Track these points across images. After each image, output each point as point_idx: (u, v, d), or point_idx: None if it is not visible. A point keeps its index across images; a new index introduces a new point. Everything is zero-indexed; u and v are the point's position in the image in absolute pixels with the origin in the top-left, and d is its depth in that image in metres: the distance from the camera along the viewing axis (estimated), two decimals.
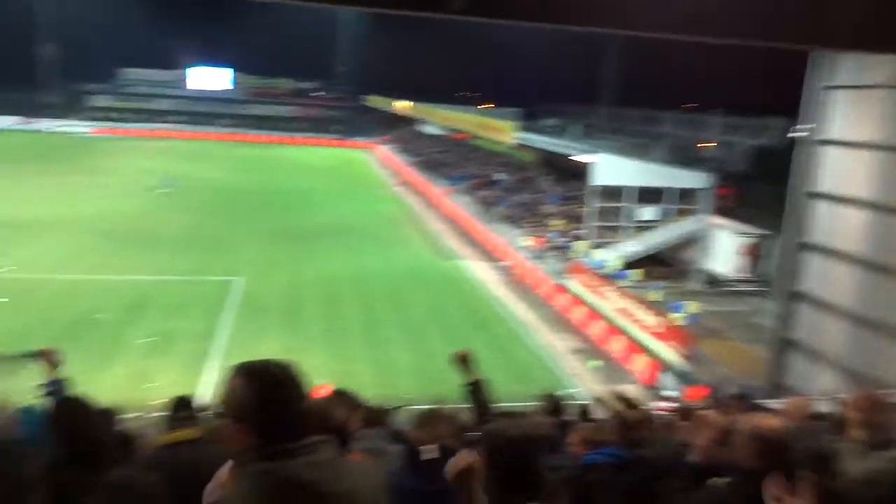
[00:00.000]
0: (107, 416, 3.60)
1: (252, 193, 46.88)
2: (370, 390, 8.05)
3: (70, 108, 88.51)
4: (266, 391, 2.11)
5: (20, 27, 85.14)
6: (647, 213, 30.49)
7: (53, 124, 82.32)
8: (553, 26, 10.38)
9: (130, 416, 6.55)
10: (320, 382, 4.47)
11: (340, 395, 4.05)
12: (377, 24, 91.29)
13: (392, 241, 35.48)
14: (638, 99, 73.86)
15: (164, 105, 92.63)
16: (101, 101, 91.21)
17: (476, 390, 4.36)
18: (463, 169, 52.52)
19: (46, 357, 4.22)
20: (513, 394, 8.51)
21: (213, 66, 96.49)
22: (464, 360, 4.40)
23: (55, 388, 4.09)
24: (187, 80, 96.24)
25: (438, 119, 62.88)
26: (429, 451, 3.23)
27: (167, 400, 4.42)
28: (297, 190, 50.05)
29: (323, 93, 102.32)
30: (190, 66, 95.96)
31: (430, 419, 3.68)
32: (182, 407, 4.21)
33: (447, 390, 5.34)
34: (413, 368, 18.98)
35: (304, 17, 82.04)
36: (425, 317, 23.79)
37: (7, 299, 22.23)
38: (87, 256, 28.11)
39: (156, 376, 17.28)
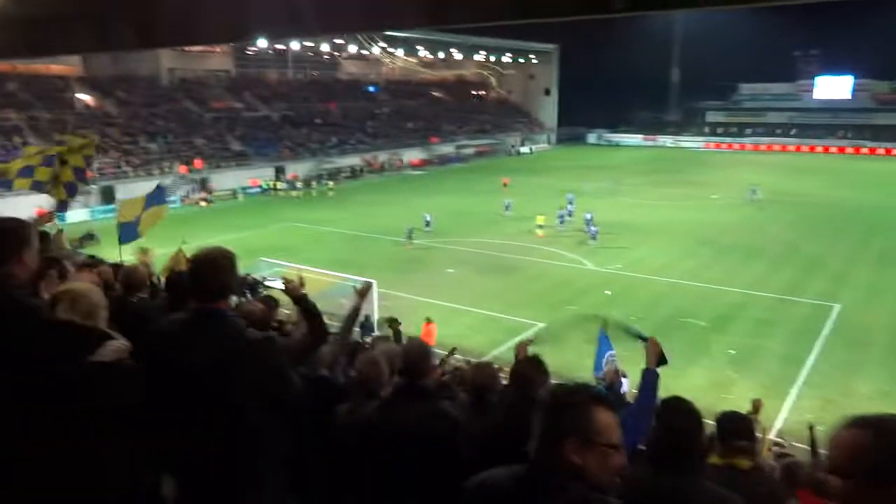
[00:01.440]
0: (698, 418, 3.65)
1: (865, 211, 41.55)
2: None
3: (687, 124, 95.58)
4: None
5: (657, 57, 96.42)
6: None
7: (672, 140, 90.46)
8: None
9: None
10: None
11: None
12: None
13: None
14: None
15: (778, 118, 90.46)
16: (717, 116, 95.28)
17: None
18: None
19: (652, 346, 4.50)
20: None
21: (834, 74, 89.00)
22: None
23: (650, 378, 4.33)
24: (812, 91, 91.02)
25: None
26: None
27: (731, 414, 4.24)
28: None
29: None
30: (812, 76, 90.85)
31: None
32: (744, 432, 3.94)
33: None
34: None
35: None
36: None
37: (610, 292, 25.56)
38: (684, 262, 29.84)
39: (733, 389, 17.12)
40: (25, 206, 41.41)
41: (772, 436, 13.01)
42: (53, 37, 11.31)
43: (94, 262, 6.79)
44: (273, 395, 2.87)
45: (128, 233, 9.76)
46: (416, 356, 3.59)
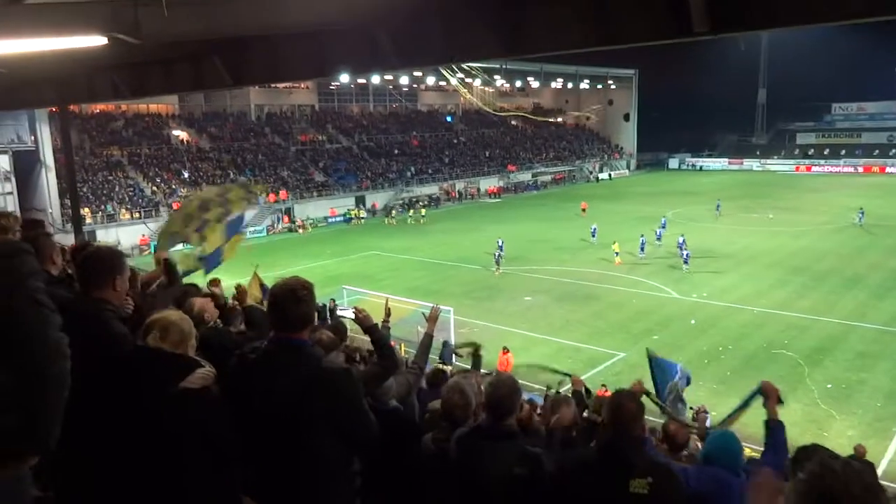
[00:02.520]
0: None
1: None
2: None
3: (775, 147, 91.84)
4: None
5: (742, 78, 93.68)
6: None
7: (760, 163, 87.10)
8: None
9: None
10: None
11: None
12: None
13: None
14: None
15: (876, 139, 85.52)
16: (808, 138, 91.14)
17: None
18: None
19: (769, 390, 4.17)
20: None
21: None
22: None
23: (777, 430, 4.04)
24: None
25: None
26: None
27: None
28: None
29: None
30: None
31: None
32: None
33: None
34: None
35: None
36: None
37: (695, 322, 24.60)
38: (775, 291, 28.40)
39: (832, 426, 16.07)
40: (132, 232, 43.72)
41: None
42: (154, 79, 12.11)
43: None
44: (345, 427, 2.89)
45: (211, 262, 9.73)
46: (504, 392, 3.43)
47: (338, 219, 55.44)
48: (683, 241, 35.05)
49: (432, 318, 5.25)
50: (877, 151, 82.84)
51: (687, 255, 32.93)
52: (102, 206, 46.02)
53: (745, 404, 5.18)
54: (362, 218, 55.51)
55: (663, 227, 40.10)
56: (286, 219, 53.73)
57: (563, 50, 7.82)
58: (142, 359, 2.56)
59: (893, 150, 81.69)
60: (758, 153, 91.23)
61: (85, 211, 42.29)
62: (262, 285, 9.74)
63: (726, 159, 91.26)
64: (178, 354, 2.58)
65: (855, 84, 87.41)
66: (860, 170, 78.88)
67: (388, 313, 5.20)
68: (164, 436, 2.35)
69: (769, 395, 4.15)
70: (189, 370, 2.46)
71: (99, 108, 54.32)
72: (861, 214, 42.90)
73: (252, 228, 50.77)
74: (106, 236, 42.19)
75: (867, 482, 1.71)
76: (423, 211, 55.48)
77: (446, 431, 3.56)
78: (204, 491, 2.40)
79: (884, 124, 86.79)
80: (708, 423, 13.98)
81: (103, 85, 12.93)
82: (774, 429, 3.99)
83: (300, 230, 51.79)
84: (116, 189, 48.77)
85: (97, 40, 6.64)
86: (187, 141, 58.90)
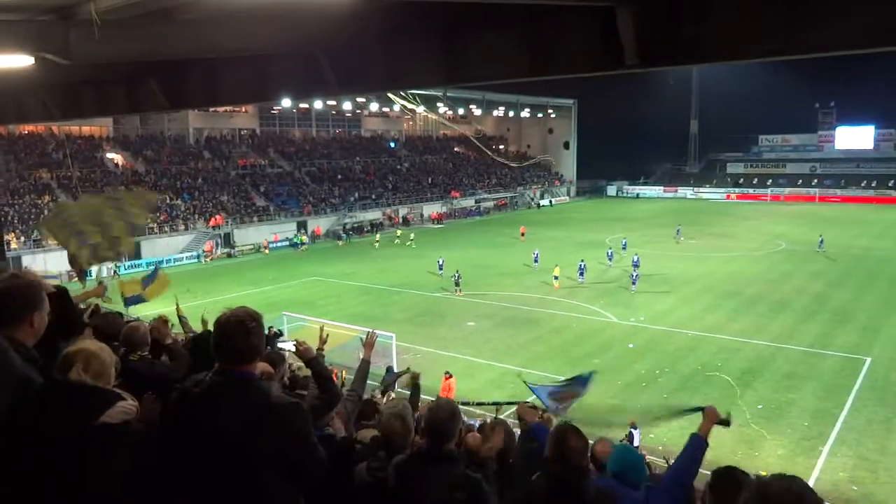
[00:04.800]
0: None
1: (894, 262, 40.83)
2: None
3: (708, 176, 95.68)
4: None
5: (675, 109, 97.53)
6: None
7: (693, 191, 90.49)
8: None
9: None
10: None
11: None
12: None
13: None
14: None
15: (800, 169, 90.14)
16: (737, 168, 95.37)
17: None
18: None
19: (710, 414, 4.29)
20: None
21: (855, 125, 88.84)
22: None
23: (696, 444, 4.17)
24: (834, 142, 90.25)
25: None
26: None
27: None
28: None
29: None
30: (833, 127, 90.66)
31: None
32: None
33: None
34: None
35: None
36: None
37: (633, 346, 25.18)
38: (709, 315, 29.36)
39: (763, 446, 16.61)
40: (61, 258, 41.92)
41: None
42: (86, 100, 11.77)
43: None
44: (295, 462, 2.81)
45: (132, 301, 10.17)
46: (443, 416, 3.41)
47: (280, 244, 54.60)
48: (638, 259, 37.09)
49: (369, 345, 5.22)
50: (800, 181, 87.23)
51: (636, 276, 34.57)
52: (29, 231, 44.06)
53: (680, 413, 5.39)
54: (305, 243, 54.85)
55: (624, 248, 43.42)
56: (208, 247, 52.54)
57: (501, 79, 8.01)
58: (57, 393, 2.43)
59: (815, 181, 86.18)
60: (691, 181, 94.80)
61: (9, 235, 40.37)
62: (180, 317, 9.50)
63: (661, 187, 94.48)
64: (97, 387, 2.47)
65: (780, 117, 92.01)
66: (786, 198, 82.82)
67: (323, 340, 5.13)
68: (84, 473, 2.23)
69: (708, 418, 4.26)
70: (109, 404, 2.36)
71: (28, 128, 52.28)
72: (821, 241, 44.74)
73: (189, 254, 49.51)
74: (33, 262, 40.30)
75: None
76: (412, 235, 55.43)
77: (382, 460, 3.51)
78: None
79: (807, 155, 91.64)
80: (636, 442, 14.28)
81: (33, 105, 12.49)
82: (694, 441, 4.09)
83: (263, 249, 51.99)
84: (45, 213, 46.83)
85: (24, 60, 6.43)
86: (122, 164, 57.20)
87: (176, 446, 2.78)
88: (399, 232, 56.65)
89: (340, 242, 56.44)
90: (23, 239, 43.13)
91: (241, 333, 2.80)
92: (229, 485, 2.72)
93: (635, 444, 11.60)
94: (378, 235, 56.34)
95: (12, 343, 2.76)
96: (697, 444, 4.05)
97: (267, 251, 52.19)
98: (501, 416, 8.60)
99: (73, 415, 2.29)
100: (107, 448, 2.27)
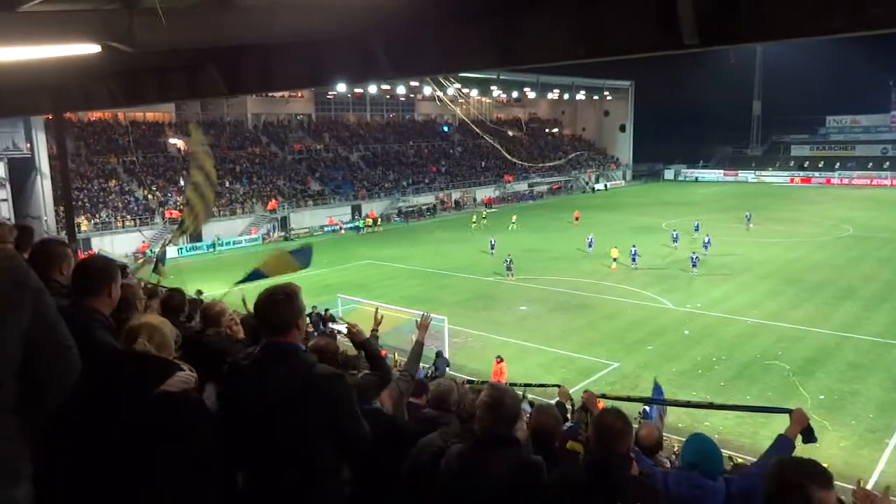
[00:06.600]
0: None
1: None
2: None
3: (770, 159, 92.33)
4: None
5: (737, 90, 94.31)
6: None
7: (755, 175, 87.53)
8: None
9: None
10: None
11: None
12: None
13: None
14: None
15: (870, 151, 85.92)
16: (802, 150, 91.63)
17: None
18: None
19: (798, 416, 4.23)
20: None
21: None
22: None
23: (783, 445, 4.15)
24: None
25: None
26: None
27: None
28: None
29: None
30: None
31: None
32: None
33: None
34: None
35: None
36: None
37: (689, 332, 24.65)
38: (769, 302, 28.47)
39: (824, 437, 16.07)
40: (126, 240, 43.69)
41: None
42: (149, 87, 12.14)
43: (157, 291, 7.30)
44: (340, 433, 2.90)
45: (256, 276, 9.32)
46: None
47: (344, 226, 55.47)
48: (709, 240, 37.83)
49: (423, 326, 5.26)
50: (870, 164, 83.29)
51: (697, 258, 34.35)
52: (97, 214, 45.94)
53: (762, 409, 6.07)
54: (369, 227, 55.47)
55: (696, 230, 43.43)
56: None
57: (555, 61, 7.90)
58: (124, 363, 2.57)
59: (887, 163, 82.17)
60: (753, 165, 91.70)
61: (80, 218, 42.20)
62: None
63: (721, 171, 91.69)
64: (161, 358, 2.59)
65: (849, 97, 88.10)
66: (854, 182, 79.32)
67: (377, 321, 5.22)
68: (143, 439, 2.35)
69: (797, 421, 4.22)
70: (170, 373, 2.47)
71: (96, 115, 54.31)
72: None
73: (248, 237, 50.77)
74: (100, 244, 42.09)
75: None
76: (485, 213, 56.68)
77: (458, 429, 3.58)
78: (184, 495, 2.41)
79: (877, 137, 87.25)
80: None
81: (99, 92, 12.94)
82: (782, 441, 4.08)
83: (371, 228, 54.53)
84: (111, 197, 48.72)
85: (90, 48, 6.67)
86: (184, 149, 58.91)
87: (228, 416, 2.92)
88: (485, 213, 57.32)
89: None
90: (93, 222, 44.98)
91: (271, 306, 2.95)
92: (274, 454, 2.81)
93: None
94: (475, 216, 56.03)
95: (92, 311, 3.07)
96: (784, 445, 4.07)
97: (343, 231, 53.80)
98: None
99: (141, 382, 2.43)
100: (167, 415, 2.39)
